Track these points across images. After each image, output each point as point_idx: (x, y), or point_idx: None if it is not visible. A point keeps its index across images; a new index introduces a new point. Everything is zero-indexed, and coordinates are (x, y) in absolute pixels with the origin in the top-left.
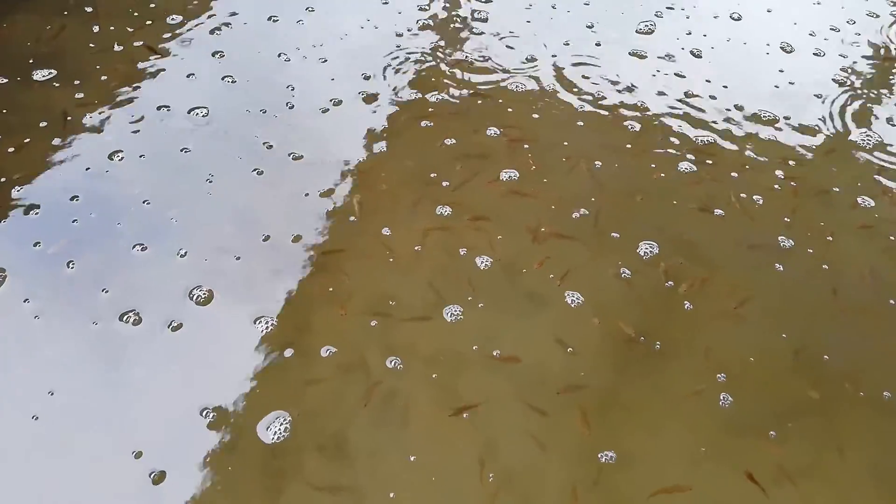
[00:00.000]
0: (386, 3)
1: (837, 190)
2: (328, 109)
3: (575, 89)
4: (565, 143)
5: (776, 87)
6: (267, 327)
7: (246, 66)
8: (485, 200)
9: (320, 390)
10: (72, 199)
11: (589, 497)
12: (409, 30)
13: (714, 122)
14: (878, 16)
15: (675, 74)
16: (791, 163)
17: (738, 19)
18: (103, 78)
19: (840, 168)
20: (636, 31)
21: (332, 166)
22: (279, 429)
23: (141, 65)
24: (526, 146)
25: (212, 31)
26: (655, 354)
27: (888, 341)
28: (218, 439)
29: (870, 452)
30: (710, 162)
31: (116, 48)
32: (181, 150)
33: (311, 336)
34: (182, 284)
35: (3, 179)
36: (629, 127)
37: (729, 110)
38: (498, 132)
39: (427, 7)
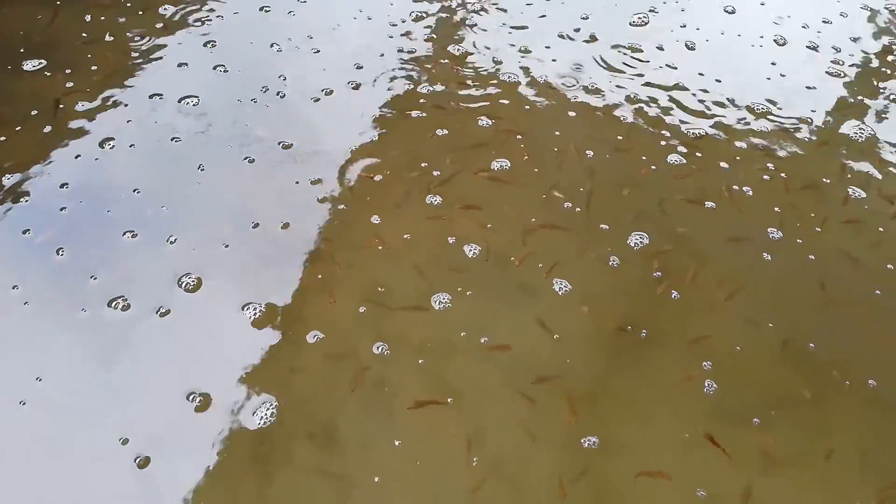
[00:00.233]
0: None
1: (828, 181)
2: (319, 99)
3: (568, 80)
4: (557, 134)
5: (768, 79)
6: (255, 314)
7: (238, 56)
8: (475, 190)
9: (308, 377)
10: (62, 186)
11: (575, 483)
12: (402, 21)
13: (706, 115)
14: (871, 9)
15: (668, 66)
16: (782, 154)
17: (732, 12)
18: (94, 67)
19: (831, 160)
20: (630, 24)
21: (322, 155)
22: (265, 414)
23: (132, 54)
24: (518, 137)
25: (203, 21)
26: (643, 343)
27: (874, 331)
28: (205, 424)
29: (856, 440)
30: (701, 154)
31: (108, 38)
32: (172, 139)
33: (300, 323)
34: (171, 271)
35: None
36: (622, 118)
37: (721, 103)
38: (489, 123)
39: None
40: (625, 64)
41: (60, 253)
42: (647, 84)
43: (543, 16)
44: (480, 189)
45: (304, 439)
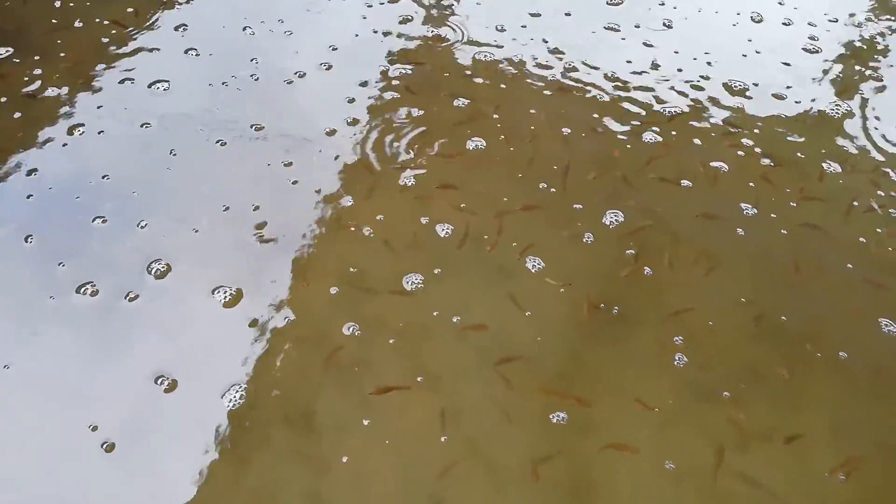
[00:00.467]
0: None
1: (802, 156)
2: (292, 81)
3: (544, 60)
4: (532, 112)
5: (744, 55)
6: (225, 297)
7: (210, 40)
8: (451, 170)
9: (279, 359)
10: (30, 173)
11: (547, 461)
12: (380, 3)
13: (682, 92)
14: None
15: (644, 45)
16: (757, 131)
17: None
18: (63, 54)
19: (807, 136)
20: (607, 3)
21: (295, 138)
22: (235, 397)
23: (103, 40)
24: (494, 116)
25: (175, 6)
26: (617, 320)
27: (846, 305)
28: (174, 408)
29: (828, 411)
30: (676, 133)
31: (77, 24)
32: (142, 125)
33: (272, 306)
34: (142, 256)
35: None
36: (598, 97)
37: (697, 81)
38: (465, 102)
39: None
40: (601, 42)
41: (29, 241)
42: (626, 62)
43: None
44: (455, 169)
45: (277, 422)
